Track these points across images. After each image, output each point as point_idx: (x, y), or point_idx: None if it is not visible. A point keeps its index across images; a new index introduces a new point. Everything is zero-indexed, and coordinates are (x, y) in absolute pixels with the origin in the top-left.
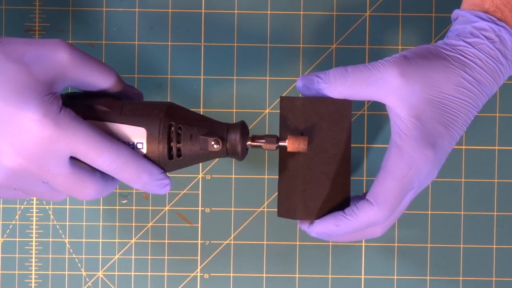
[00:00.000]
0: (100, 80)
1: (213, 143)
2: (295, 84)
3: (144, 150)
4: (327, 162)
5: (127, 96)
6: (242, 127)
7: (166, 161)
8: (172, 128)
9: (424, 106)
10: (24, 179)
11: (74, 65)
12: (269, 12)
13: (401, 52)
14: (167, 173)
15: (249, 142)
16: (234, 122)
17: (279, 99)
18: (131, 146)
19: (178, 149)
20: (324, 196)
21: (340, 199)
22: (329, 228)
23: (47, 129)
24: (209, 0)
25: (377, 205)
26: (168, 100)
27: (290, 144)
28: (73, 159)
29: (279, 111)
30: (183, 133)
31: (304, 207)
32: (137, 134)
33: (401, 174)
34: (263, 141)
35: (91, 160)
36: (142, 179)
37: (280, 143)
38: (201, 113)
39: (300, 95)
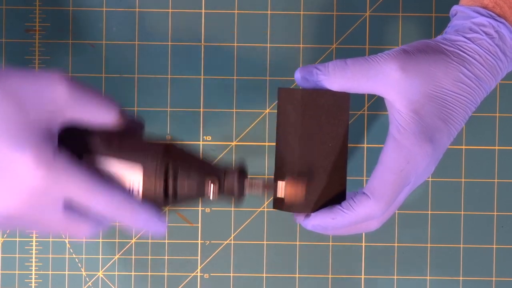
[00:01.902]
0: (100, 117)
1: (211, 188)
2: (294, 76)
3: (140, 190)
4: (324, 155)
5: (128, 127)
6: (239, 173)
7: (162, 202)
8: (169, 170)
9: (423, 100)
10: (18, 222)
11: (73, 102)
12: (269, 12)
13: (401, 46)
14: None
15: (247, 188)
16: (233, 164)
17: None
18: (128, 185)
19: (175, 191)
20: (321, 190)
21: (336, 193)
22: (325, 221)
23: (41, 176)
24: (209, 0)
25: (374, 198)
26: (168, 99)
27: (287, 193)
28: (67, 201)
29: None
30: (180, 176)
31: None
32: (133, 173)
33: (398, 168)
34: (260, 186)
35: (84, 203)
36: (137, 221)
37: (278, 195)
38: (201, 113)
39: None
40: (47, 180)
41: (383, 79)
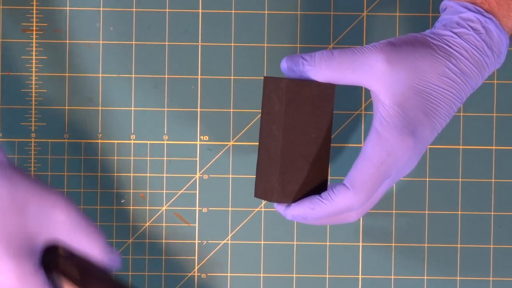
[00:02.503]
0: (86, 249)
1: None
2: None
3: None
4: (307, 145)
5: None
6: None
7: None
8: None
9: (408, 93)
10: None
11: (68, 230)
12: (266, 12)
13: (388, 39)
14: None
15: None
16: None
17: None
18: None
19: None
20: (302, 180)
21: (318, 183)
22: (305, 212)
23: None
24: (206, 0)
25: (353, 190)
26: (165, 99)
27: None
28: None
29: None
30: None
31: (281, 190)
32: None
33: (379, 160)
34: None
35: None
36: None
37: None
38: (198, 113)
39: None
40: None
41: (368, 70)
